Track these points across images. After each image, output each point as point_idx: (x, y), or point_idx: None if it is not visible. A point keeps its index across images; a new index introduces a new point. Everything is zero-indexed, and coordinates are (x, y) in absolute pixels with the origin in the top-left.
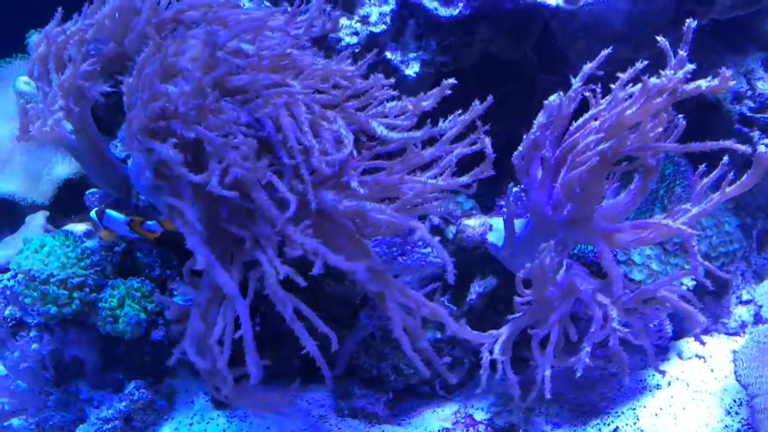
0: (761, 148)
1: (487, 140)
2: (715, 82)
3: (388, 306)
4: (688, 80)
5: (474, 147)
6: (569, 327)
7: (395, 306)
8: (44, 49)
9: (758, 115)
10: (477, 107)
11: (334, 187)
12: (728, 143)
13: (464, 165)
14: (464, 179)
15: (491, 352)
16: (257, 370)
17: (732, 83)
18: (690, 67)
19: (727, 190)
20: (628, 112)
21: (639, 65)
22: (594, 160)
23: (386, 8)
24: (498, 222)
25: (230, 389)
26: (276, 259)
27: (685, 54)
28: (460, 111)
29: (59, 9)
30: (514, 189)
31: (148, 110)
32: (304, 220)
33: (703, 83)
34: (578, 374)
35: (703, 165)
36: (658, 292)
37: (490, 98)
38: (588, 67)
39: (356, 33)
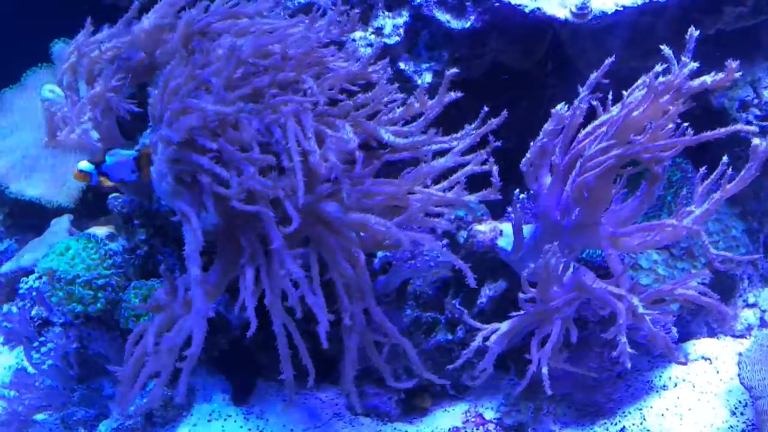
0: (755, 141)
1: (495, 168)
2: (720, 75)
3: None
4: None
5: (484, 167)
6: (571, 328)
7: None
8: (75, 59)
9: (764, 123)
10: (491, 121)
11: (339, 198)
12: (737, 127)
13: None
14: (472, 198)
15: (486, 340)
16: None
17: (738, 74)
18: (694, 65)
19: (728, 186)
20: (635, 113)
21: (650, 72)
22: (607, 164)
23: (400, 20)
24: (508, 227)
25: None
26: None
27: (688, 60)
28: (472, 125)
29: (88, 19)
30: (521, 196)
31: (184, 128)
32: (305, 232)
33: (708, 78)
34: (628, 365)
35: (703, 168)
36: (675, 290)
37: (504, 113)
38: (594, 76)
39: (371, 45)
